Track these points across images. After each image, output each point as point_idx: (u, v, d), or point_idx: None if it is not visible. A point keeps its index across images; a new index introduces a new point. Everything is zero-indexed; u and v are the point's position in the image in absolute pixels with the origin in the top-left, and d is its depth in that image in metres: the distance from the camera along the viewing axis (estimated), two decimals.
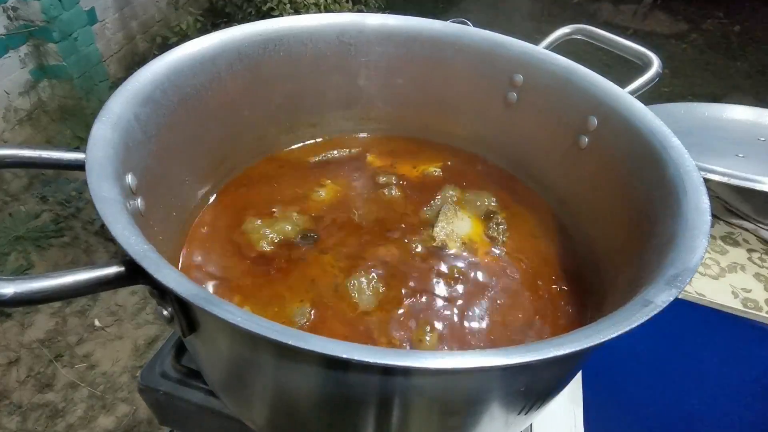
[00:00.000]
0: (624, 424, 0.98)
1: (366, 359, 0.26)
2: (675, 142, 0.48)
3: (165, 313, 0.35)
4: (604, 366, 0.88)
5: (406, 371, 0.29)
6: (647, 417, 0.97)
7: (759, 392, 0.84)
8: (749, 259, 0.85)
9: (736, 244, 0.88)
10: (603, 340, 0.30)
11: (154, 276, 0.29)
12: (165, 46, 2.42)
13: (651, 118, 0.52)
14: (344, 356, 0.26)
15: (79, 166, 0.38)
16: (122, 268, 0.31)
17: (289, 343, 0.27)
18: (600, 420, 0.74)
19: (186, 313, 0.34)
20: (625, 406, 0.96)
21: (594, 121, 0.59)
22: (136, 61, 2.61)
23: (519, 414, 0.42)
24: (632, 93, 0.60)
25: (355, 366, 0.27)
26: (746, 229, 0.89)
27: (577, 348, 0.28)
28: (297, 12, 2.04)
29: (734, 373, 0.85)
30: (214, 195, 0.65)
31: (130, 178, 0.42)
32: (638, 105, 0.55)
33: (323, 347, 0.27)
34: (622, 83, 0.62)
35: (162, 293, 0.33)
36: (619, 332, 0.30)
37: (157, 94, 0.50)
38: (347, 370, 0.32)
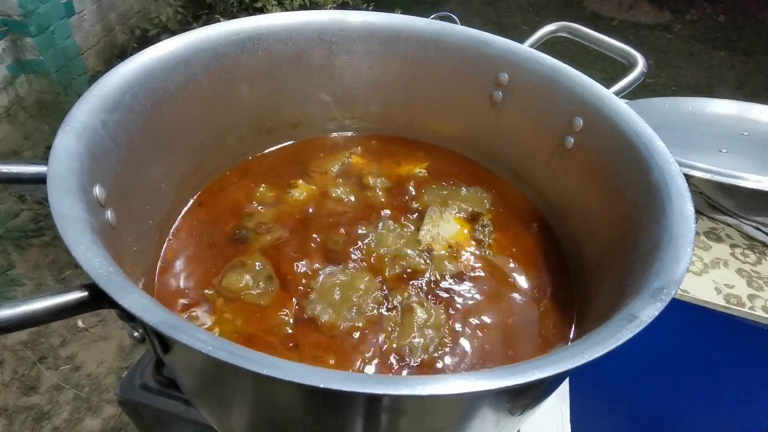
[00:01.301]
0: (610, 420, 0.99)
1: (344, 388, 0.25)
2: (660, 145, 0.48)
3: (136, 334, 0.33)
4: (590, 364, 0.88)
5: (380, 398, 0.28)
6: (632, 412, 0.98)
7: (741, 387, 0.85)
8: (732, 254, 0.86)
9: (719, 239, 0.88)
10: (588, 360, 0.29)
11: (120, 302, 0.27)
12: (144, 39, 2.36)
13: (636, 120, 0.51)
14: (321, 386, 0.25)
15: (41, 180, 0.36)
16: (85, 293, 0.29)
17: (263, 372, 0.25)
18: (586, 416, 0.75)
19: (158, 336, 0.33)
20: (611, 401, 0.97)
21: (580, 122, 0.58)
22: (115, 54, 2.54)
23: (510, 417, 0.41)
24: (618, 93, 0.59)
25: (329, 392, 0.26)
26: (729, 225, 0.90)
27: (562, 370, 0.28)
28: (281, 5, 1.99)
29: (717, 369, 0.86)
30: (193, 200, 0.63)
31: (97, 190, 0.40)
32: (623, 106, 0.54)
33: (300, 377, 0.26)
34: (610, 74, 0.61)
35: (131, 316, 0.31)
36: (605, 351, 0.29)
37: (127, 99, 0.48)
38: (324, 394, 0.31)
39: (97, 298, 0.29)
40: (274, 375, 0.26)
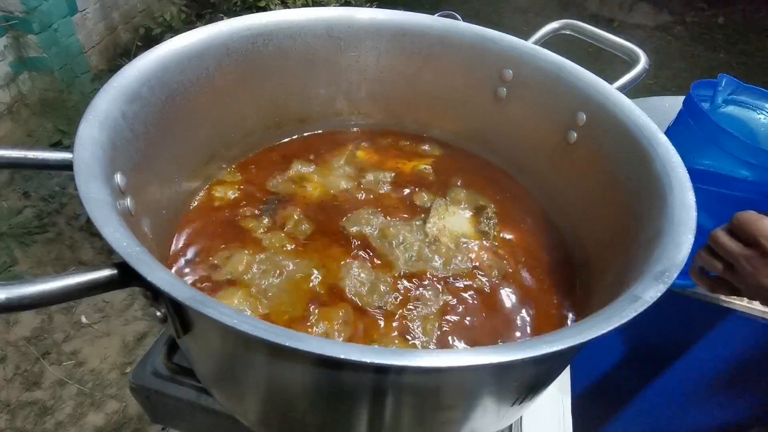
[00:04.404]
0: (610, 411, 1.01)
1: (362, 359, 0.27)
2: (662, 138, 0.49)
3: (158, 314, 0.34)
4: (593, 355, 0.89)
5: (400, 370, 0.30)
6: (632, 403, 0.99)
7: (740, 379, 0.87)
8: None
9: None
10: (595, 336, 0.30)
11: (149, 279, 0.29)
12: (148, 37, 2.36)
13: (638, 114, 0.53)
14: (341, 356, 0.27)
15: (67, 167, 0.37)
16: (115, 271, 0.31)
17: (286, 344, 0.27)
18: (587, 408, 0.76)
19: (180, 315, 0.34)
20: (611, 393, 0.99)
21: (583, 117, 0.59)
22: (118, 53, 2.55)
23: (512, 406, 0.43)
24: (620, 89, 0.60)
25: (349, 364, 0.28)
26: None
27: (571, 344, 0.29)
28: (284, 3, 2.01)
29: (715, 361, 0.87)
30: (203, 191, 0.64)
31: (118, 178, 0.42)
32: (626, 101, 0.55)
33: (319, 348, 0.27)
34: (610, 74, 0.63)
35: (156, 295, 0.32)
36: (610, 328, 0.31)
37: (144, 91, 0.49)
38: (342, 368, 0.32)
39: (126, 277, 0.31)
40: (295, 346, 0.27)
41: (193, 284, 0.53)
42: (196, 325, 0.35)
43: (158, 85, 0.51)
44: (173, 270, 0.54)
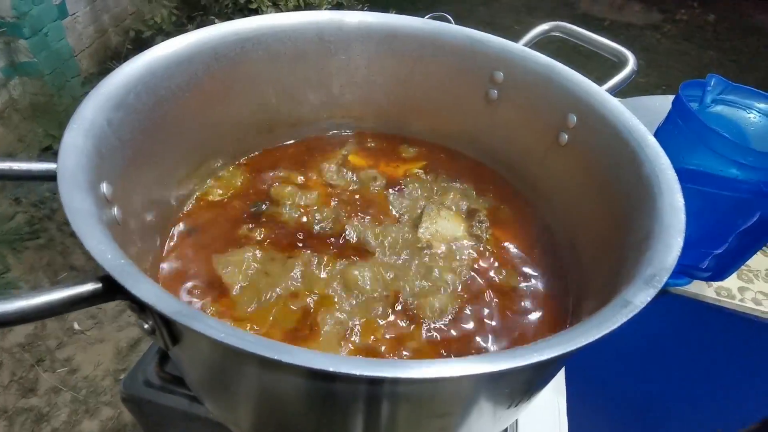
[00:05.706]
0: (606, 413, 1.01)
1: (352, 372, 0.26)
2: (651, 140, 0.49)
3: (146, 326, 0.34)
4: (587, 357, 0.89)
5: (391, 381, 0.29)
6: (628, 404, 0.99)
7: (734, 378, 0.87)
8: None
9: None
10: (585, 343, 0.30)
11: (134, 293, 0.28)
12: (138, 40, 2.35)
13: (628, 116, 0.53)
14: (330, 369, 0.26)
15: (51, 177, 0.37)
16: (99, 285, 0.30)
17: (274, 358, 0.26)
18: (583, 409, 0.76)
19: (168, 327, 0.34)
20: (607, 394, 0.99)
21: (573, 119, 0.59)
22: (108, 56, 2.54)
23: (507, 409, 0.43)
24: (609, 90, 0.60)
25: (340, 377, 0.27)
26: None
27: (561, 352, 0.29)
28: (276, 6, 2.00)
29: (710, 360, 0.87)
30: (193, 198, 0.64)
31: (105, 187, 0.41)
32: (615, 103, 0.55)
33: (308, 361, 0.27)
34: (601, 75, 0.63)
35: (142, 308, 0.32)
36: (601, 334, 0.31)
37: (131, 98, 0.49)
38: (332, 380, 0.32)
39: (111, 290, 0.30)
40: (284, 360, 0.27)
41: (182, 292, 0.53)
42: (184, 337, 0.34)
43: (145, 91, 0.51)
44: (162, 279, 0.54)
